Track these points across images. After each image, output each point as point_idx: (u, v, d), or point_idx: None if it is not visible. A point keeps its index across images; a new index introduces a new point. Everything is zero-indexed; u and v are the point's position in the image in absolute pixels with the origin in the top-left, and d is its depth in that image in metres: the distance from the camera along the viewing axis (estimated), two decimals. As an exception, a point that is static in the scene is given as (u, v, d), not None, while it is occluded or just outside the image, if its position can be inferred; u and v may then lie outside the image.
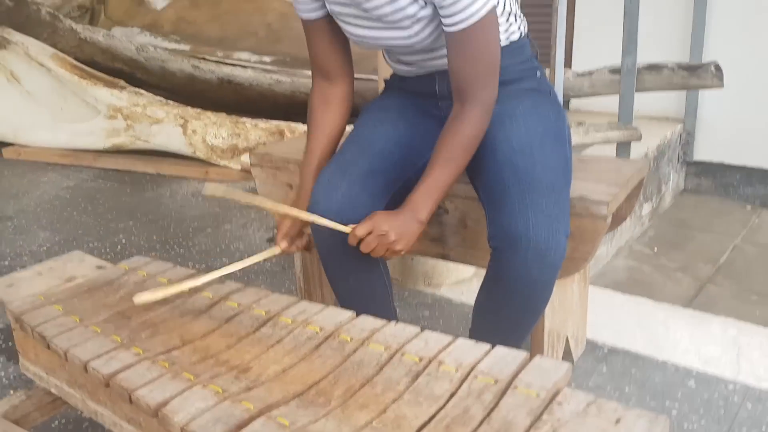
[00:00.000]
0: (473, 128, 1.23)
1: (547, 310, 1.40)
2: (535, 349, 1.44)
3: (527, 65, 1.39)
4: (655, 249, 3.33)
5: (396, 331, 1.08)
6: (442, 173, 1.23)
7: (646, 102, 3.58)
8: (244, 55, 3.94)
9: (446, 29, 1.20)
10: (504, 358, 1.00)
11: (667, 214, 3.71)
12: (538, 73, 1.41)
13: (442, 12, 1.18)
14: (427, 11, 1.21)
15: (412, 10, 1.20)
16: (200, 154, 3.06)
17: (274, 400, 0.94)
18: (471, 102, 1.23)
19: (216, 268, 1.27)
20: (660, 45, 3.65)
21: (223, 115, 3.04)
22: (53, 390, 1.28)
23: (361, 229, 1.19)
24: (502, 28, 1.32)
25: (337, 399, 0.95)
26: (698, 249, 3.30)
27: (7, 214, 2.74)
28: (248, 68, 3.27)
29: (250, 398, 0.94)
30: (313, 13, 1.31)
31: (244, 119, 3.02)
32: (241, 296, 1.23)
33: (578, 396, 0.93)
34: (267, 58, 3.89)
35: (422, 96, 1.40)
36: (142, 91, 3.21)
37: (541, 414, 0.89)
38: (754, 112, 3.56)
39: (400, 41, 1.27)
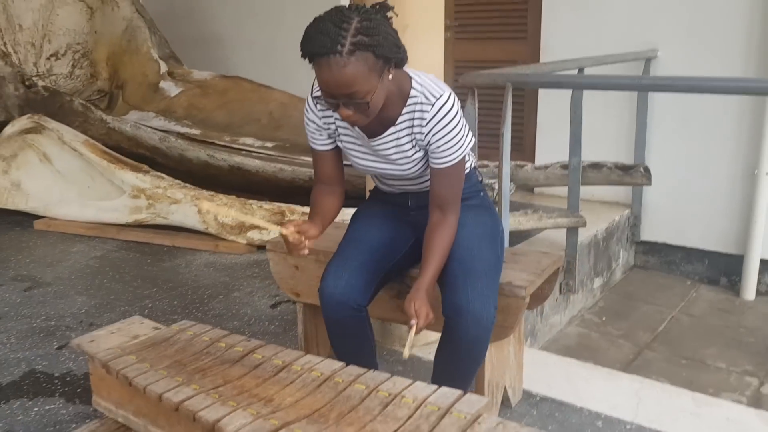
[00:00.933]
0: (453, 230, 1.76)
1: (487, 364, 1.89)
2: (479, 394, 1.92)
3: (474, 188, 1.92)
4: (603, 318, 3.83)
5: (373, 376, 1.56)
6: (438, 263, 1.73)
7: (600, 188, 4.15)
8: (249, 140, 4.48)
9: (433, 166, 1.73)
10: (445, 394, 1.48)
11: (617, 287, 4.23)
12: (482, 194, 1.94)
13: (432, 155, 1.71)
14: (421, 154, 1.75)
15: (411, 153, 1.74)
16: (212, 230, 3.56)
17: (291, 419, 1.41)
18: (450, 213, 1.75)
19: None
20: (610, 144, 4.25)
21: (233, 197, 3.56)
22: (120, 419, 1.74)
23: (423, 322, 1.65)
24: None
25: (333, 419, 1.42)
26: (640, 319, 3.81)
27: (46, 281, 3.21)
28: (255, 158, 3.80)
29: (275, 417, 1.41)
30: (325, 147, 1.84)
31: (251, 201, 3.53)
32: (264, 350, 1.70)
33: (492, 419, 1.41)
34: (269, 144, 4.43)
35: (398, 207, 1.93)
36: (164, 176, 3.73)
37: (466, 429, 1.37)
38: (690, 201, 4.13)
39: (395, 172, 1.80)
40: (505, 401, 2.08)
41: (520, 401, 2.13)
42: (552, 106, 4.46)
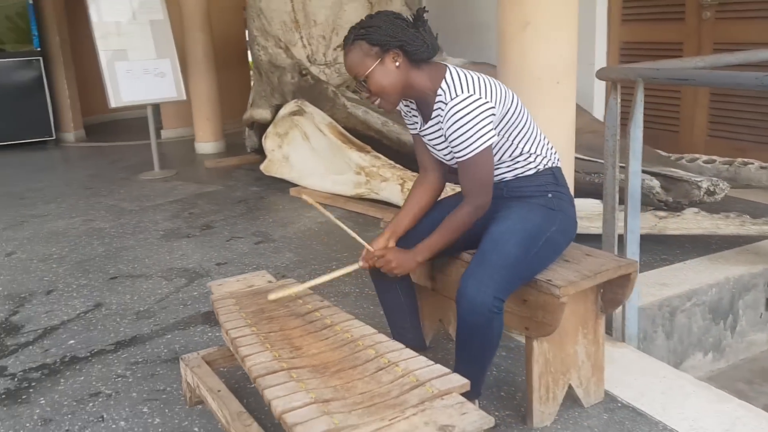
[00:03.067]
0: (464, 219, 1.91)
1: (537, 357, 1.92)
2: (528, 385, 1.97)
3: (541, 189, 1.97)
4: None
5: (389, 345, 1.76)
6: (439, 239, 1.93)
7: None
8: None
9: (455, 157, 1.88)
10: (432, 371, 1.62)
11: None
12: (549, 195, 1.97)
13: (452, 149, 1.87)
14: (449, 148, 1.90)
15: (445, 143, 1.92)
16: (413, 208, 3.91)
17: (298, 365, 1.70)
18: (467, 201, 1.90)
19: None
20: None
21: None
22: (231, 347, 2.20)
23: (379, 252, 1.95)
24: (516, 164, 1.97)
25: (330, 372, 1.67)
26: None
27: (273, 238, 3.90)
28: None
29: (287, 362, 1.71)
30: (413, 130, 2.08)
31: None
32: (325, 311, 2.00)
33: (456, 398, 1.53)
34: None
35: None
36: (380, 156, 4.19)
37: (425, 401, 1.52)
38: None
39: (441, 159, 2.00)
40: (575, 400, 2.07)
41: (598, 403, 2.10)
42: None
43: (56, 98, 7.75)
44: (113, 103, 5.45)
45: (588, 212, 3.37)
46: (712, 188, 3.35)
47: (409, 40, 1.84)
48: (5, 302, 3.15)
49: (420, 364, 1.66)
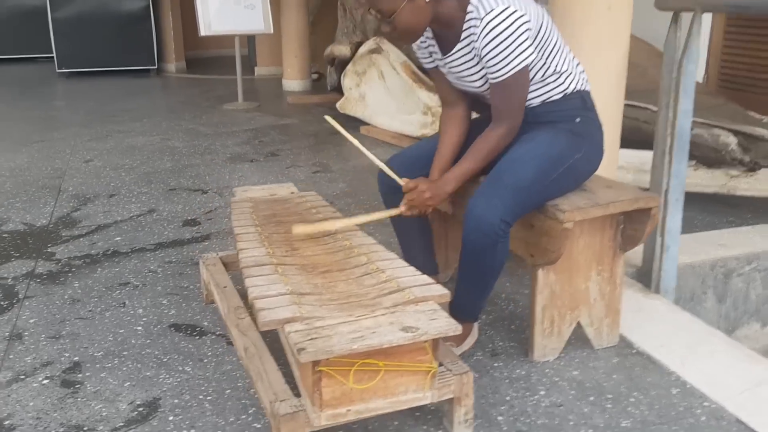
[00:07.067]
0: (496, 143, 1.80)
1: (542, 288, 1.83)
2: (532, 316, 1.88)
3: (568, 113, 1.85)
4: None
5: (382, 254, 1.73)
6: (469, 166, 1.83)
7: None
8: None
9: (489, 79, 1.77)
10: (416, 280, 1.58)
11: None
12: (578, 119, 1.84)
13: (486, 70, 1.76)
14: (483, 72, 1.80)
15: (477, 68, 1.81)
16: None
17: (288, 263, 1.70)
18: (499, 125, 1.80)
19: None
20: None
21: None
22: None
23: (411, 184, 1.85)
24: (546, 86, 1.84)
25: (317, 272, 1.66)
26: None
27: (332, 169, 3.92)
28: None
29: (278, 258, 1.71)
30: (429, 64, 1.97)
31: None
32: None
33: (432, 305, 1.48)
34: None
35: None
36: (448, 96, 4.10)
37: (398, 304, 1.48)
38: None
39: (469, 89, 1.90)
40: (583, 339, 1.97)
41: (611, 347, 1.98)
42: None
43: (161, 31, 8.06)
44: (203, 32, 5.59)
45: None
46: (796, 151, 3.07)
47: None
48: (71, 200, 3.34)
49: (406, 273, 1.63)
